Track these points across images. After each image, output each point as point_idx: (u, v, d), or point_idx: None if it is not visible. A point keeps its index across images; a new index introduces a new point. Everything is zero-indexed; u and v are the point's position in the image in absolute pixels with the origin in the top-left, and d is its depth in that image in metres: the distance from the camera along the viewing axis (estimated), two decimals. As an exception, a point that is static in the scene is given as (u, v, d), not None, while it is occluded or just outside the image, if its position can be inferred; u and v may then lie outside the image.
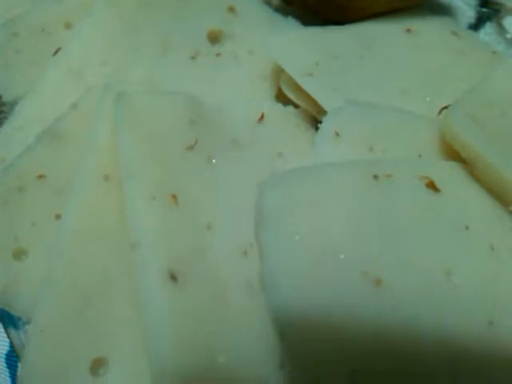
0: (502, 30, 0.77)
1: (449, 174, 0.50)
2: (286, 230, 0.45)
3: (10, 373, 0.64)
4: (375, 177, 0.48)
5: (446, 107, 0.54)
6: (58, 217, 0.55)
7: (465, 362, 0.42)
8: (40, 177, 0.56)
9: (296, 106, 0.63)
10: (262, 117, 0.60)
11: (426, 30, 0.71)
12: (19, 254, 0.54)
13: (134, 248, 0.47)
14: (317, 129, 0.57)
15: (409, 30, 0.70)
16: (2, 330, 0.56)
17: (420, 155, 0.52)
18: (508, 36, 0.76)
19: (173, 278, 0.46)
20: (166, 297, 0.45)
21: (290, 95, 0.63)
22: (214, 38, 0.68)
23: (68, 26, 0.70)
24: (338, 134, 0.53)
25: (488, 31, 0.77)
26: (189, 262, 0.48)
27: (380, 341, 0.42)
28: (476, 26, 0.78)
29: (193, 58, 0.66)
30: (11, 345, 0.57)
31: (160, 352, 0.44)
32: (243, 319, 0.47)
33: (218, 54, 0.67)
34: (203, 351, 0.45)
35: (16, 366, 0.64)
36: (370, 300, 0.42)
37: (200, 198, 0.52)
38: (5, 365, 0.65)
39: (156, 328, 0.44)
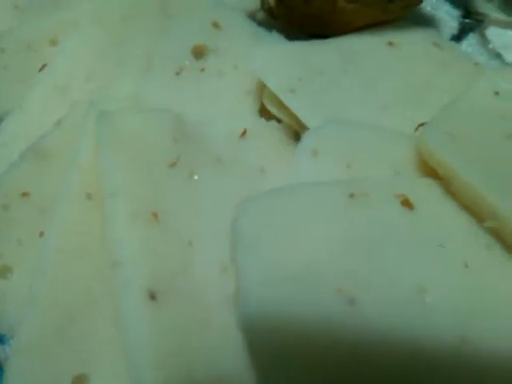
0: (484, 40, 0.77)
1: (425, 191, 0.50)
2: (260, 250, 0.46)
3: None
4: (351, 195, 0.49)
5: (422, 124, 0.54)
6: (42, 234, 0.55)
7: (437, 378, 0.43)
8: (24, 194, 0.57)
9: (279, 120, 0.64)
10: (245, 132, 0.61)
11: (408, 42, 0.71)
12: (4, 272, 0.54)
13: (113, 267, 0.48)
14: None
15: (391, 43, 0.70)
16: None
17: (397, 172, 0.53)
18: (490, 46, 0.77)
19: (153, 296, 0.47)
20: (145, 316, 0.46)
21: (273, 110, 0.64)
22: (199, 53, 0.69)
23: (54, 42, 0.70)
24: (316, 152, 0.53)
25: (471, 42, 0.78)
26: (169, 280, 0.48)
27: (352, 357, 0.43)
28: (459, 36, 0.79)
29: (177, 73, 0.67)
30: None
31: (139, 370, 0.44)
32: (223, 336, 0.48)
33: (203, 69, 0.68)
34: (183, 369, 0.46)
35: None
36: (344, 317, 0.43)
37: (181, 215, 0.53)
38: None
39: (135, 346, 0.45)
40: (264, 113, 0.65)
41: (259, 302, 0.44)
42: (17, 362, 0.49)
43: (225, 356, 0.47)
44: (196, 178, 0.56)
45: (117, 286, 0.48)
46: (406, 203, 0.49)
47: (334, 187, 0.49)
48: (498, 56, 0.76)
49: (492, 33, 0.78)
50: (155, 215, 0.51)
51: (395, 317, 0.44)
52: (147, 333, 0.45)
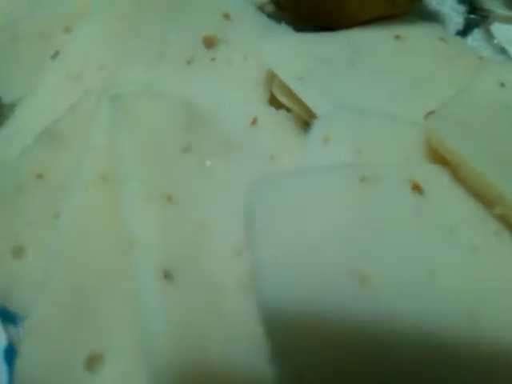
0: (489, 36, 0.79)
1: (434, 177, 0.51)
2: (274, 230, 0.47)
3: (9, 368, 0.65)
4: (362, 179, 0.49)
5: (431, 112, 0.55)
6: (56, 216, 0.56)
7: (450, 359, 0.44)
8: (38, 176, 0.57)
9: (288, 110, 0.65)
10: (255, 120, 0.62)
11: (415, 36, 0.72)
12: (18, 252, 0.55)
13: (129, 247, 0.49)
14: (308, 133, 0.59)
15: (397, 37, 0.71)
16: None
17: (406, 159, 0.54)
18: (495, 42, 0.78)
19: (167, 276, 0.48)
20: (160, 294, 0.47)
21: (283, 99, 0.65)
22: (209, 43, 0.70)
23: (67, 30, 0.71)
24: (326, 139, 0.54)
25: (476, 37, 0.79)
26: (183, 262, 0.49)
27: (365, 338, 0.44)
28: (464, 32, 0.80)
29: (188, 62, 0.68)
30: (9, 341, 0.58)
31: (154, 348, 0.45)
32: (236, 318, 0.49)
33: (213, 59, 0.69)
34: (197, 348, 0.46)
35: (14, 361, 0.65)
36: (357, 298, 0.44)
37: (195, 199, 0.53)
38: (3, 360, 0.66)
39: (151, 325, 0.46)
40: (274, 102, 0.66)
41: (275, 280, 0.45)
42: (30, 342, 0.49)
43: (236, 337, 0.48)
44: (208, 163, 0.57)
45: (132, 266, 0.48)
46: (417, 188, 0.50)
47: (346, 170, 0.50)
48: (502, 51, 0.77)
49: (497, 28, 0.79)
50: (169, 198, 0.52)
51: (407, 296, 0.45)
52: (162, 310, 0.46)
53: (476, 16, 0.81)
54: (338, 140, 0.54)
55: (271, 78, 0.67)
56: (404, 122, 0.57)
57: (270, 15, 0.75)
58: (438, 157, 0.52)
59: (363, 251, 0.46)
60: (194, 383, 0.45)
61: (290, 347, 0.44)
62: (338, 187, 0.49)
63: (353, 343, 0.44)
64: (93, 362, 0.49)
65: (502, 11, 0.80)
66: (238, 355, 0.47)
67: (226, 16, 0.72)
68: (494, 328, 0.45)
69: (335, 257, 0.46)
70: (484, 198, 0.50)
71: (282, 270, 0.45)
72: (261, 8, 0.76)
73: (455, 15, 0.81)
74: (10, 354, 0.64)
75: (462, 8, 0.82)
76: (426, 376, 0.44)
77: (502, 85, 0.60)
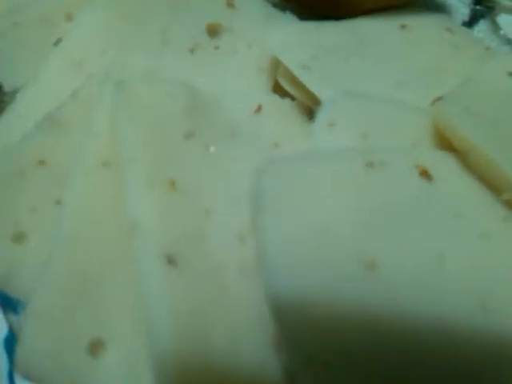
0: (495, 27, 0.78)
1: (442, 164, 0.51)
2: (283, 213, 0.46)
3: (9, 357, 0.64)
4: (370, 164, 0.49)
5: (439, 98, 0.55)
6: (57, 202, 0.55)
7: (458, 346, 0.43)
8: (40, 162, 0.57)
9: (292, 98, 0.64)
10: (260, 108, 0.61)
11: (421, 26, 0.72)
12: (19, 238, 0.54)
13: (131, 232, 0.48)
14: (313, 120, 0.59)
15: (403, 26, 0.71)
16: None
17: (413, 144, 0.53)
18: (502, 33, 0.77)
19: (171, 261, 0.47)
20: (164, 280, 0.46)
21: (287, 87, 0.64)
22: (213, 32, 0.69)
23: (69, 16, 0.70)
24: (333, 124, 0.54)
25: (482, 28, 0.79)
26: (187, 247, 0.49)
27: (373, 322, 0.43)
28: (470, 23, 0.79)
29: (192, 50, 0.67)
30: (10, 329, 0.58)
31: (157, 334, 0.44)
32: (239, 303, 0.48)
33: (217, 47, 0.68)
34: (200, 334, 0.46)
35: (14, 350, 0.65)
36: (365, 282, 0.44)
37: (198, 185, 0.53)
38: (3, 349, 0.65)
39: (154, 310, 0.45)
40: (278, 90, 0.66)
41: (283, 264, 0.45)
42: (32, 328, 0.49)
43: (240, 322, 0.48)
44: (212, 150, 0.56)
45: (135, 251, 0.48)
46: (424, 174, 0.49)
47: (352, 155, 0.50)
48: (509, 42, 0.76)
49: (503, 19, 0.79)
50: (172, 183, 0.51)
51: (414, 283, 0.44)
52: (165, 296, 0.46)
53: (482, 7, 0.80)
54: (344, 125, 0.54)
55: (276, 66, 0.67)
56: (411, 107, 0.56)
57: (274, 4, 0.74)
58: (445, 143, 0.52)
59: (371, 236, 0.46)
60: (198, 369, 0.44)
61: (299, 333, 0.43)
62: (345, 172, 0.49)
63: (361, 328, 0.43)
64: (95, 348, 0.48)
65: (507, 2, 0.80)
66: (241, 341, 0.47)
67: (230, 4, 0.71)
68: (504, 314, 0.44)
69: (343, 241, 0.45)
70: (492, 184, 0.49)
71: (289, 254, 0.45)
72: (265, -4, 0.75)
73: (461, 6, 0.80)
74: (11, 342, 0.64)
75: (467, -1, 0.81)
76: (435, 361, 0.43)
77: (510, 74, 0.59)
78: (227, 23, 0.70)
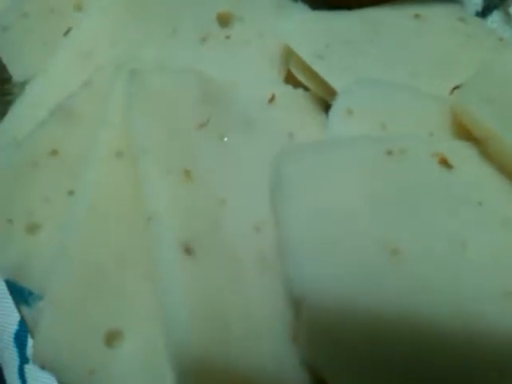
0: (508, 18, 0.77)
1: (461, 152, 0.50)
2: (306, 200, 0.46)
3: (19, 352, 0.64)
4: (389, 152, 0.48)
5: (457, 86, 0.54)
6: (70, 193, 0.55)
7: (481, 334, 0.42)
8: (53, 152, 0.56)
9: (306, 88, 0.63)
10: (273, 98, 0.61)
11: (434, 15, 0.71)
12: (33, 229, 0.54)
13: (149, 221, 0.47)
14: (327, 111, 0.58)
15: (417, 16, 0.70)
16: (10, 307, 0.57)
17: (431, 133, 0.52)
18: (515, 24, 0.77)
19: (188, 250, 0.46)
20: (181, 269, 0.46)
21: (300, 77, 0.63)
22: (224, 21, 0.68)
23: (78, 7, 0.69)
24: (350, 111, 0.53)
25: (495, 19, 0.77)
26: (203, 236, 0.48)
27: (397, 311, 0.42)
28: (483, 13, 0.78)
29: (203, 39, 0.66)
30: (21, 322, 0.57)
31: (175, 324, 0.44)
32: (257, 292, 0.48)
33: (228, 37, 0.67)
34: (218, 324, 0.45)
35: (24, 345, 0.64)
36: (388, 270, 0.43)
37: (213, 175, 0.52)
38: (13, 344, 0.65)
39: (172, 300, 0.45)
40: (291, 80, 0.65)
41: (304, 253, 0.44)
42: (49, 318, 0.48)
43: (257, 312, 0.47)
44: (226, 139, 0.55)
45: (152, 240, 0.47)
46: (444, 162, 0.48)
47: (372, 143, 0.49)
48: (522, 32, 0.75)
49: (513, 10, 0.78)
50: (188, 172, 0.51)
51: (438, 269, 0.44)
52: (183, 285, 0.45)
53: (494, -2, 0.79)
54: (362, 113, 0.53)
55: (288, 56, 0.66)
56: (429, 96, 0.56)
57: (286, -6, 0.73)
58: (464, 132, 0.51)
59: (394, 223, 0.45)
60: (216, 360, 0.44)
61: (320, 320, 0.43)
62: (364, 159, 0.48)
63: (386, 316, 0.42)
64: (112, 337, 0.48)
65: (521, -7, 0.79)
66: (259, 331, 0.46)
67: (241, -7, 0.70)
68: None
69: (366, 229, 0.44)
70: (512, 173, 0.48)
71: (313, 241, 0.44)
72: (276, -14, 0.74)
73: (474, -4, 0.79)
74: (21, 338, 0.63)
75: (480, -11, 0.80)
76: (458, 349, 0.42)
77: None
78: (238, 12, 0.69)
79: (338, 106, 0.54)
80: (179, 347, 0.43)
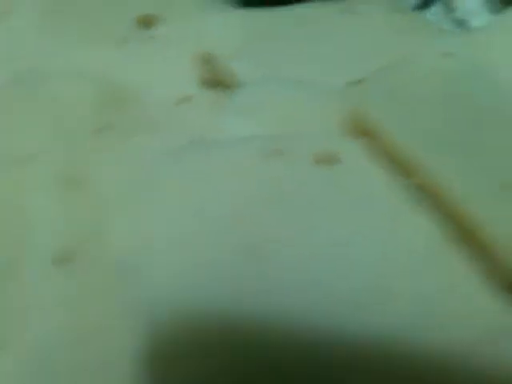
0: (449, 9, 0.75)
1: (351, 149, 0.48)
2: (169, 204, 0.44)
3: None
4: (267, 153, 0.46)
5: (360, 80, 0.52)
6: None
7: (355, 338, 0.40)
8: None
9: (224, 89, 0.62)
10: (186, 99, 0.59)
11: (367, 10, 0.69)
12: None
13: (25, 231, 0.46)
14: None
15: (347, 11, 0.68)
16: None
17: (326, 129, 0.50)
18: (456, 15, 0.74)
19: (62, 261, 0.45)
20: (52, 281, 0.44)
21: (218, 78, 0.62)
22: (145, 23, 0.67)
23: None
24: (242, 111, 0.51)
25: (435, 11, 0.75)
26: (83, 246, 0.47)
27: (261, 320, 0.40)
28: (422, 6, 0.76)
29: (122, 42, 0.65)
30: None
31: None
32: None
33: (149, 39, 0.66)
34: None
35: None
36: (253, 274, 0.41)
37: (105, 181, 0.51)
38: None
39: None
40: (209, 81, 0.63)
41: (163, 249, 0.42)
42: None
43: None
44: (125, 144, 0.54)
45: (26, 251, 0.46)
46: (328, 161, 0.46)
47: (249, 144, 0.47)
48: (461, 23, 0.73)
49: (456, 1, 0.75)
50: (76, 180, 0.49)
51: (312, 271, 0.41)
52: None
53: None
54: (254, 112, 0.51)
55: (209, 56, 0.64)
56: (328, 91, 0.53)
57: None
58: (357, 127, 0.49)
59: (262, 227, 0.43)
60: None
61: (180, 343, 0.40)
62: (240, 162, 0.46)
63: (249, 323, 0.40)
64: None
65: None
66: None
67: (165, -6, 0.69)
68: (405, 301, 0.40)
69: (231, 232, 0.42)
70: (403, 169, 0.46)
71: (169, 243, 0.42)
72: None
73: (412, -11, 0.77)
74: None
75: (419, -18, 0.78)
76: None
77: (445, 55, 0.55)
78: (162, 14, 0.68)
79: (232, 104, 0.52)
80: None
